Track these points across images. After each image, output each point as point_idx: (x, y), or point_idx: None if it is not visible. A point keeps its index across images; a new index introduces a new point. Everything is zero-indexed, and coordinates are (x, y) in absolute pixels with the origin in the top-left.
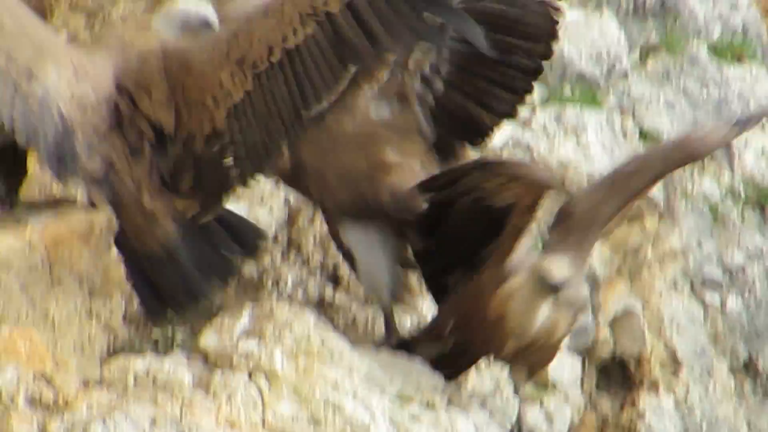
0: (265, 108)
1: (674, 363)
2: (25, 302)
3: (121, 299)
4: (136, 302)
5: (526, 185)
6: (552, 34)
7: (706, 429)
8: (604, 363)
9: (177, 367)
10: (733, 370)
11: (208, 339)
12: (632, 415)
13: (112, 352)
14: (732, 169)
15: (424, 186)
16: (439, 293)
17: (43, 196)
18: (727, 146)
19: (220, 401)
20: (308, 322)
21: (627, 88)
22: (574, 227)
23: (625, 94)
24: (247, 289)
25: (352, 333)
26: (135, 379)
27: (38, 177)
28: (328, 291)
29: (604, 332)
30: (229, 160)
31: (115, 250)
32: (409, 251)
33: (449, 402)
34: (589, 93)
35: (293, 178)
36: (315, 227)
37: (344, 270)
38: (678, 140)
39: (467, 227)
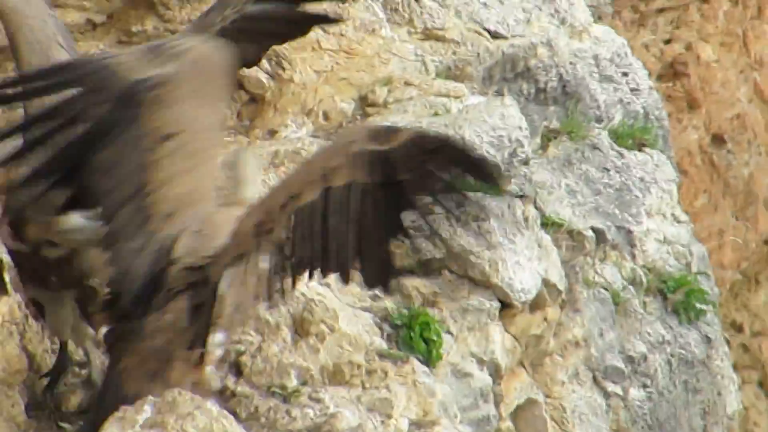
0: None
1: None
2: None
3: (24, 390)
4: (39, 390)
5: None
6: None
7: None
8: None
9: None
10: None
11: (111, 430)
12: None
13: None
14: (633, 257)
15: None
16: None
17: None
18: (629, 233)
19: None
20: (211, 412)
21: (529, 175)
22: None
23: (527, 181)
24: (154, 378)
25: (255, 423)
26: None
27: None
28: (230, 380)
29: (507, 423)
30: None
31: (18, 340)
32: None
33: None
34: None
35: None
36: None
37: (247, 359)
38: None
39: None
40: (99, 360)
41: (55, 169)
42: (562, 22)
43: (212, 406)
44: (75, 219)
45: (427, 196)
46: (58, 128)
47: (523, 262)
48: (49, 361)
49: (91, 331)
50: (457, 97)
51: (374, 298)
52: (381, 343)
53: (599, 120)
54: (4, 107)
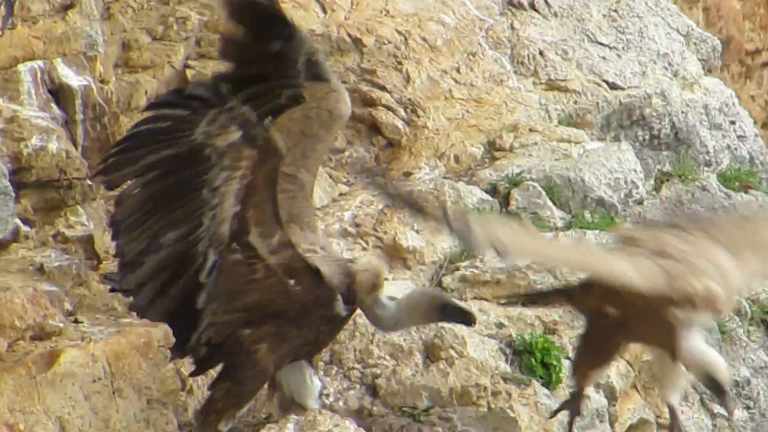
0: None
1: None
2: (87, 411)
3: (176, 408)
4: (190, 411)
5: None
6: None
7: None
8: None
9: None
10: None
11: None
12: None
13: None
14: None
15: None
16: None
17: (105, 310)
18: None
19: None
20: (349, 430)
21: (643, 213)
22: None
23: (641, 219)
24: (292, 400)
25: None
26: None
27: (101, 293)
28: (367, 401)
29: None
30: None
31: (172, 363)
32: None
33: None
34: (607, 218)
35: None
36: (354, 342)
37: (382, 381)
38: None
39: None
40: None
41: None
42: (675, 74)
43: (350, 424)
44: None
45: None
46: None
47: None
48: (200, 382)
49: None
50: (577, 143)
51: (499, 326)
52: (505, 368)
53: (708, 164)
54: None
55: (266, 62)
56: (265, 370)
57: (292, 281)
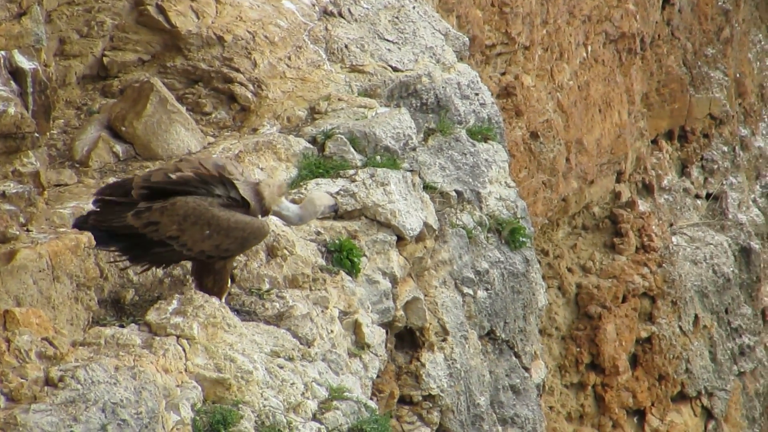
0: None
1: (444, 332)
2: (36, 291)
3: (96, 290)
4: (106, 291)
5: None
6: None
7: (464, 375)
8: (399, 331)
9: (131, 334)
10: (480, 337)
11: (151, 316)
12: (417, 365)
13: (91, 324)
14: (481, 208)
15: None
16: None
17: (48, 223)
18: (478, 194)
19: (158, 355)
20: (214, 305)
21: (416, 156)
22: None
23: (414, 160)
24: (176, 284)
25: (242, 311)
26: (105, 341)
27: (45, 211)
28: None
29: (400, 312)
30: None
31: (93, 258)
32: None
33: (302, 356)
34: (391, 159)
35: None
36: None
37: (237, 271)
38: None
39: None
40: None
41: None
42: (438, 61)
43: (215, 300)
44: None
45: None
46: None
47: (411, 212)
48: (114, 271)
49: None
50: (371, 108)
51: (317, 233)
52: (322, 262)
53: (460, 123)
54: None
55: None
56: None
57: None
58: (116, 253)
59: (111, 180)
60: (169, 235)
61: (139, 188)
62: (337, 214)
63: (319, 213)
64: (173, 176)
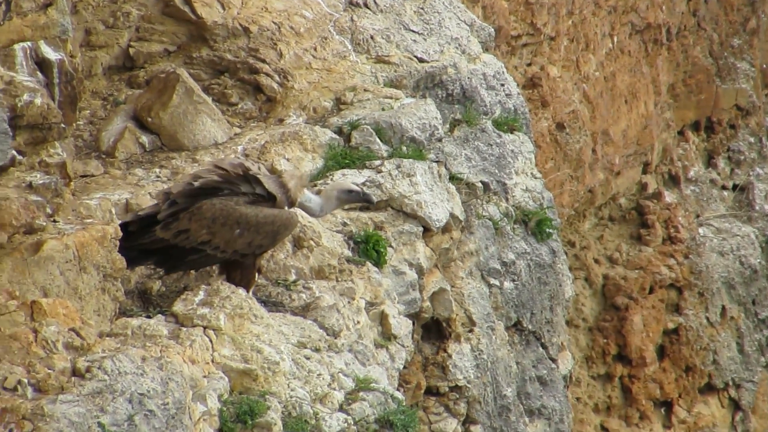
0: None
1: (470, 323)
2: (62, 282)
3: (123, 281)
4: (133, 282)
5: None
6: None
7: (491, 366)
8: (426, 322)
9: (158, 325)
10: (507, 328)
11: (178, 307)
12: (444, 356)
13: (118, 315)
14: (507, 199)
15: None
16: None
17: (74, 213)
18: (504, 185)
19: (185, 346)
20: (241, 296)
21: (441, 147)
22: None
23: (440, 151)
24: (202, 275)
25: (268, 302)
26: (132, 332)
27: (71, 202)
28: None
29: (426, 303)
30: None
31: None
32: None
33: (329, 347)
34: (417, 150)
35: None
36: None
37: (264, 262)
38: None
39: None
40: None
41: None
42: (463, 52)
43: (242, 291)
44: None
45: None
46: None
47: (438, 202)
48: None
49: None
50: (396, 99)
51: (344, 224)
52: (348, 253)
53: (486, 114)
54: None
55: None
56: None
57: None
58: (152, 267)
59: (137, 171)
60: (201, 241)
61: (166, 207)
62: (373, 204)
63: (341, 202)
64: (196, 183)
